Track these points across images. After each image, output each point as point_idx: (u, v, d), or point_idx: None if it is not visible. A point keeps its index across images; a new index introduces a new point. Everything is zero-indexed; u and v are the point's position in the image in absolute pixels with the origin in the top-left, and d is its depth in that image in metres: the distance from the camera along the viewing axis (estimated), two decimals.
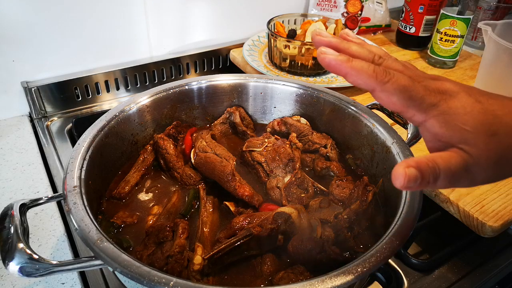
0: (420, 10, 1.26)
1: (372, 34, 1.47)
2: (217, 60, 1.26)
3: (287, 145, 0.75)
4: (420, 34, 1.30)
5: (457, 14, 1.14)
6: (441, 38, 1.19)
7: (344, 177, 0.72)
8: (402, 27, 1.34)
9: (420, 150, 0.83)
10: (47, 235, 0.71)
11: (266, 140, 0.76)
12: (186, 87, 0.82)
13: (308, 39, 1.09)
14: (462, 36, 1.17)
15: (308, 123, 0.82)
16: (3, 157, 0.88)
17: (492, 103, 0.37)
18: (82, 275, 0.65)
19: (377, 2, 1.44)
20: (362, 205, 0.63)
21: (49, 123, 1.02)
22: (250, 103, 0.88)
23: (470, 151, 0.37)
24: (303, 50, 1.05)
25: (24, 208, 0.52)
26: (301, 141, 0.79)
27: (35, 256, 0.46)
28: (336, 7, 1.33)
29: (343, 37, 0.45)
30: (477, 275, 0.70)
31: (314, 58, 1.06)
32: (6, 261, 0.45)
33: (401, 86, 0.37)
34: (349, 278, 0.44)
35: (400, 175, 0.36)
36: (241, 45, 1.21)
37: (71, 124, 1.01)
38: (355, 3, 1.31)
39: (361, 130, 0.74)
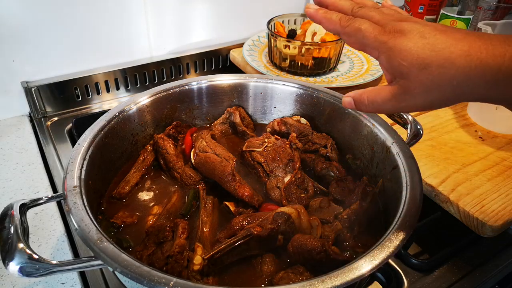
0: (420, 10, 1.26)
1: None
2: (217, 60, 1.26)
3: (287, 145, 0.75)
4: None
5: (457, 14, 1.14)
6: None
7: (344, 177, 0.72)
8: None
9: (420, 150, 0.83)
10: (47, 235, 0.71)
11: (266, 140, 0.76)
12: (186, 87, 0.82)
13: (308, 39, 1.09)
14: None
15: (308, 123, 0.82)
16: (3, 157, 0.88)
17: (439, 37, 0.41)
18: (82, 275, 0.65)
19: (377, 2, 1.44)
20: (362, 205, 0.63)
21: (49, 123, 1.02)
22: (250, 103, 0.88)
23: (402, 84, 0.44)
24: (303, 50, 1.05)
25: (24, 208, 0.52)
26: (301, 141, 0.79)
27: (35, 256, 0.46)
28: None
29: None
30: (477, 275, 0.70)
31: (314, 58, 1.06)
32: (6, 261, 0.45)
33: (357, 29, 0.46)
34: (349, 278, 0.44)
35: (344, 102, 0.51)
36: (241, 45, 1.21)
37: (71, 124, 1.01)
38: None
39: (361, 130, 0.74)
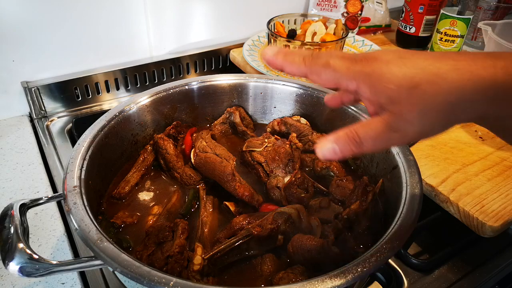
0: (420, 10, 1.26)
1: (372, 34, 1.47)
2: (217, 60, 1.26)
3: (287, 145, 0.75)
4: (420, 34, 1.31)
5: (457, 14, 1.14)
6: (441, 38, 1.19)
7: (344, 177, 0.72)
8: (402, 27, 1.34)
9: (420, 150, 0.83)
10: (47, 235, 0.71)
11: (266, 140, 0.76)
12: (186, 87, 0.82)
13: (308, 39, 1.09)
14: (462, 36, 1.17)
15: (308, 123, 0.82)
16: (3, 157, 0.88)
17: (418, 56, 0.38)
18: (82, 275, 0.65)
19: (377, 2, 1.44)
20: (362, 205, 0.63)
21: (49, 123, 1.02)
22: (250, 103, 0.88)
23: (393, 110, 0.38)
24: None
25: (24, 208, 0.52)
26: (301, 141, 0.79)
27: (35, 256, 0.46)
28: (336, 7, 1.33)
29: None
30: (477, 275, 0.70)
31: None
32: (6, 261, 0.45)
33: (325, 64, 0.41)
34: (349, 278, 0.44)
35: (319, 151, 0.41)
36: (241, 45, 1.21)
37: (71, 124, 1.01)
38: (355, 3, 1.31)
39: None
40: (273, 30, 1.10)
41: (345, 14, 1.33)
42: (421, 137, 0.40)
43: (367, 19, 1.43)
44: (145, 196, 0.71)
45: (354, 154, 0.41)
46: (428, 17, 1.26)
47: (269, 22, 1.12)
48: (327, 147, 0.41)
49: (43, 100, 1.03)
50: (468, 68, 0.36)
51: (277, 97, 0.86)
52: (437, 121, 0.38)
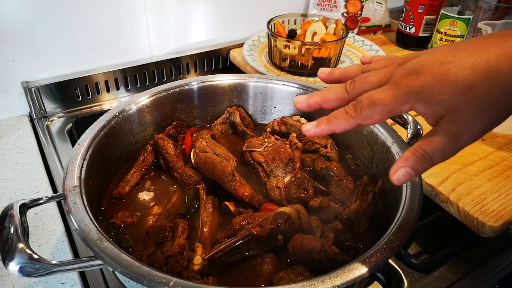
0: (420, 10, 1.26)
1: (372, 34, 1.47)
2: (217, 60, 1.26)
3: (287, 145, 0.75)
4: (420, 34, 1.31)
5: (457, 14, 1.14)
6: (441, 38, 1.19)
7: (344, 177, 0.72)
8: (402, 27, 1.34)
9: None
10: (47, 235, 0.71)
11: (266, 140, 0.76)
12: (186, 87, 0.82)
13: (308, 39, 1.09)
14: (462, 36, 1.17)
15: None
16: (3, 157, 0.88)
17: (460, 54, 0.36)
18: (82, 275, 0.65)
19: (377, 2, 1.44)
20: (362, 205, 0.63)
21: (49, 123, 1.02)
22: (250, 103, 0.88)
23: (453, 118, 0.37)
24: (303, 50, 1.05)
25: (24, 208, 0.52)
26: (301, 141, 0.79)
27: (35, 256, 0.46)
28: (336, 7, 1.33)
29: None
30: (477, 275, 0.70)
31: (314, 58, 1.06)
32: (6, 261, 0.45)
33: (370, 103, 0.40)
34: (349, 278, 0.44)
35: (396, 180, 0.40)
36: (241, 45, 1.21)
37: (71, 124, 1.01)
38: (355, 3, 1.31)
39: (361, 130, 0.74)
40: (273, 30, 1.10)
41: (345, 14, 1.33)
42: (486, 131, 0.39)
43: (367, 19, 1.43)
44: (145, 196, 0.71)
45: (428, 168, 0.40)
46: (428, 17, 1.26)
47: (269, 22, 1.12)
48: (401, 173, 0.40)
49: (43, 100, 1.03)
50: None
51: (277, 97, 0.86)
52: (499, 112, 0.37)
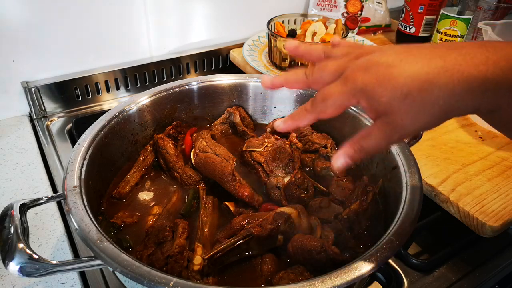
0: (420, 10, 1.26)
1: (372, 34, 1.47)
2: (217, 60, 1.26)
3: (287, 145, 0.75)
4: (420, 34, 1.30)
5: (457, 14, 1.14)
6: (441, 38, 1.19)
7: (344, 177, 0.72)
8: (402, 27, 1.34)
9: (420, 150, 0.83)
10: (47, 235, 0.71)
11: (266, 140, 0.76)
12: (186, 87, 0.82)
13: (308, 39, 1.09)
14: (462, 36, 1.17)
15: None
16: (3, 157, 0.88)
17: (406, 60, 0.38)
18: (82, 275, 0.65)
19: (377, 2, 1.44)
20: (362, 205, 0.63)
21: (49, 123, 1.02)
22: (250, 103, 0.88)
23: (388, 120, 0.40)
24: None
25: (24, 208, 0.52)
26: (301, 141, 0.79)
27: (35, 256, 0.46)
28: (336, 7, 1.33)
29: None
30: (477, 275, 0.70)
31: None
32: (6, 261, 0.45)
33: (323, 98, 0.44)
34: (349, 278, 0.44)
35: (336, 168, 0.45)
36: (241, 45, 1.21)
37: (71, 124, 1.01)
38: (355, 3, 1.31)
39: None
40: (273, 30, 1.10)
41: (345, 14, 1.33)
42: (418, 132, 0.43)
43: (367, 19, 1.43)
44: (145, 196, 0.71)
45: (362, 159, 0.45)
46: (428, 17, 1.26)
47: (269, 22, 1.12)
48: (341, 161, 0.45)
49: (43, 100, 1.03)
50: (458, 67, 0.36)
51: (277, 97, 0.86)
52: (430, 119, 0.39)
